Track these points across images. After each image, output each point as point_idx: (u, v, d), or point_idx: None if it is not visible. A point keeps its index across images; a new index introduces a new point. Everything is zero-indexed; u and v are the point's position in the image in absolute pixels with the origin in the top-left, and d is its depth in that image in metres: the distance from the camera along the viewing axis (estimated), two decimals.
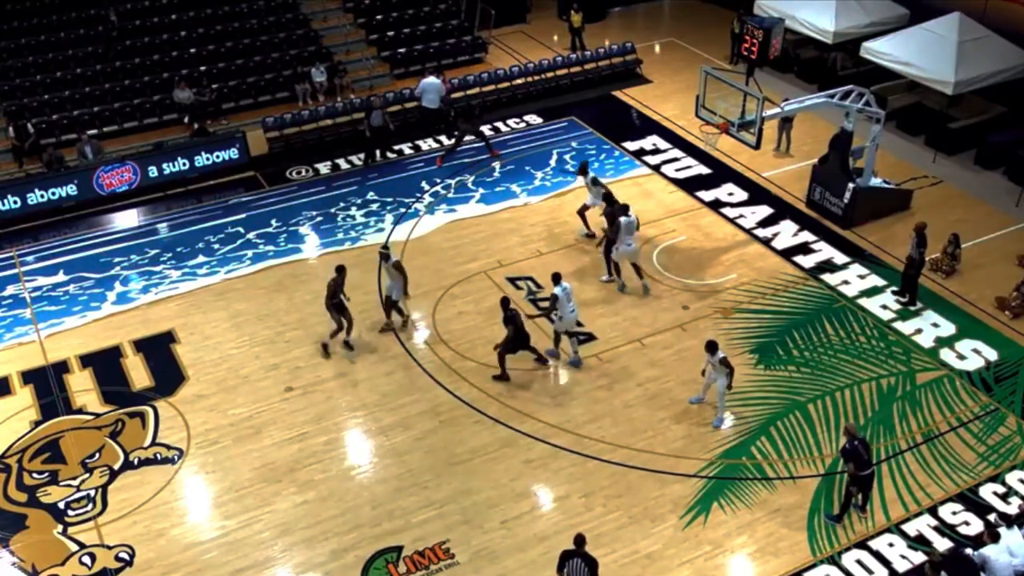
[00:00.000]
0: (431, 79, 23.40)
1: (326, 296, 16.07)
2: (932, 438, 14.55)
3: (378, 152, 22.47)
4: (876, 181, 19.82)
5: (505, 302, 15.44)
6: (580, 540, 11.25)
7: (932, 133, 22.59)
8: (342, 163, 22.56)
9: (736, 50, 25.94)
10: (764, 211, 20.24)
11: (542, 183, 21.48)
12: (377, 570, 12.52)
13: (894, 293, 17.58)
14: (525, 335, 15.49)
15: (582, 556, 11.14)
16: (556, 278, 15.69)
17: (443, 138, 23.52)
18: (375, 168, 22.33)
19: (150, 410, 15.30)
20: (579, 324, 16.36)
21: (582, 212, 19.15)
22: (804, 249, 19.00)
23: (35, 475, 14.11)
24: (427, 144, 23.32)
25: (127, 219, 20.73)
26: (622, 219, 17.10)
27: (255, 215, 20.57)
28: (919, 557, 12.60)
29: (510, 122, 24.27)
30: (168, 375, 16.02)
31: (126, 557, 12.82)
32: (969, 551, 12.06)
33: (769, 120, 18.76)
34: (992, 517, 12.74)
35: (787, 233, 19.50)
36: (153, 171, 21.71)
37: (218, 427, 14.92)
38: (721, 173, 21.60)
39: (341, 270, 16.16)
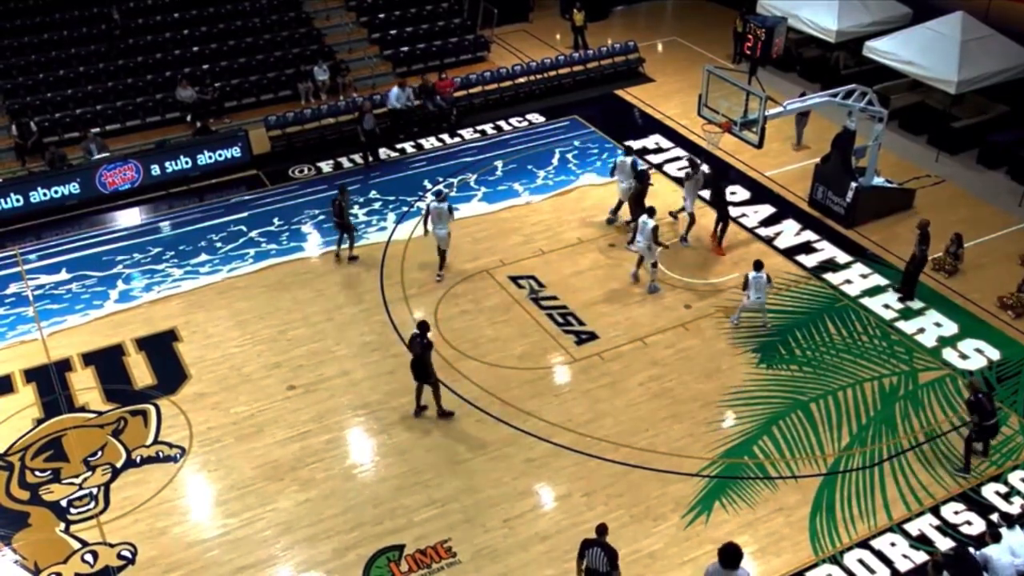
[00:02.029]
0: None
1: (335, 214, 18.54)
2: (934, 437, 14.54)
3: (372, 155, 22.46)
4: (878, 180, 19.80)
5: (422, 326, 14.41)
6: (602, 529, 11.28)
7: (935, 132, 22.57)
8: (344, 162, 22.57)
9: (739, 49, 25.93)
10: (766, 210, 20.23)
11: (544, 182, 21.48)
12: (379, 568, 12.52)
13: (895, 290, 17.58)
14: (419, 369, 14.54)
15: (602, 545, 11.15)
16: (650, 211, 17.45)
17: (445, 137, 23.57)
18: (377, 167, 22.34)
19: (152, 408, 15.31)
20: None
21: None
22: (806, 248, 18.99)
23: (37, 473, 14.12)
24: (429, 143, 23.35)
25: (129, 217, 20.75)
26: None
27: (257, 214, 20.58)
28: (921, 556, 12.59)
29: (512, 121, 24.27)
30: (170, 373, 16.03)
31: (128, 555, 12.82)
32: (971, 551, 12.05)
33: (785, 116, 18.86)
34: (994, 517, 12.73)
35: (789, 232, 19.49)
36: (155, 170, 21.73)
37: (220, 425, 14.93)
38: (723, 172, 21.58)
39: (344, 189, 18.51)
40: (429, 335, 14.45)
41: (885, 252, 18.75)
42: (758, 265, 16.34)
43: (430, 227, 17.86)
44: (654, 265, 17.60)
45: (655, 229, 17.17)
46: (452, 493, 13.61)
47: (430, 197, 18.40)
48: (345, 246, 18.86)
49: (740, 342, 16.42)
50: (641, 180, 19.07)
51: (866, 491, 13.63)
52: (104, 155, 21.65)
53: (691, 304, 17.41)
